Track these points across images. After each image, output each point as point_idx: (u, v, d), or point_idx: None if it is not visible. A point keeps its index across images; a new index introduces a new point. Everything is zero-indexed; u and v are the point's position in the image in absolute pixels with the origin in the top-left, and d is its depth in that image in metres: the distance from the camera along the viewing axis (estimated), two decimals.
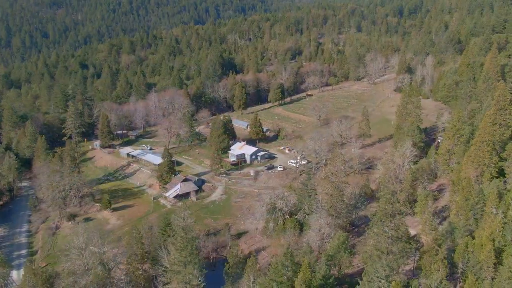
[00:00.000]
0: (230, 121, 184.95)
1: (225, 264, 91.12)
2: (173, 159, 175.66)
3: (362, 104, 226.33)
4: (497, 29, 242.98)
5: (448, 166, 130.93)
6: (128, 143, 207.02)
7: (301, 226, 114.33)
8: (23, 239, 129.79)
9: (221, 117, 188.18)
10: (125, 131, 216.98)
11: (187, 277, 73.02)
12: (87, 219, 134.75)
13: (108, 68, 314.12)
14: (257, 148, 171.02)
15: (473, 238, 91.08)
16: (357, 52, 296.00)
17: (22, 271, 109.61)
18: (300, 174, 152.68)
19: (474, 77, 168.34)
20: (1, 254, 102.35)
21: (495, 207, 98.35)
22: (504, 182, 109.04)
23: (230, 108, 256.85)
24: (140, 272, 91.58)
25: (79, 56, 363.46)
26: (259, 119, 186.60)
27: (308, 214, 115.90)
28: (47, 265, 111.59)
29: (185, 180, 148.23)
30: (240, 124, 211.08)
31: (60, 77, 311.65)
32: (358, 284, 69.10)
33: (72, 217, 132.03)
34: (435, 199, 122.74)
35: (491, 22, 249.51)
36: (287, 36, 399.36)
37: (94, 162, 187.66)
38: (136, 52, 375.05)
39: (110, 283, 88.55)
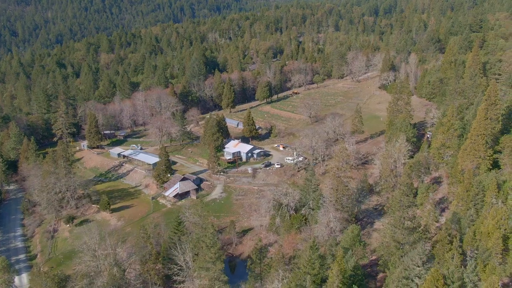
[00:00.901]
0: (224, 119, 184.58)
1: (248, 259, 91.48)
2: (168, 159, 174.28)
3: (349, 101, 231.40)
4: (474, 28, 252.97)
5: (442, 159, 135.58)
6: (117, 143, 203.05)
7: (306, 222, 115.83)
8: (19, 244, 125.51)
9: (214, 115, 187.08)
10: (112, 131, 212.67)
11: (216, 274, 72.89)
12: (86, 221, 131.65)
13: (88, 67, 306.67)
14: (252, 146, 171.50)
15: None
16: (340, 51, 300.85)
17: (24, 276, 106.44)
18: (298, 171, 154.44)
19: (462, 75, 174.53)
20: (5, 260, 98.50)
21: (494, 197, 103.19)
22: (500, 173, 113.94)
23: (216, 106, 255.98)
24: (155, 272, 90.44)
25: (55, 55, 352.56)
26: (252, 117, 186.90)
27: (313, 209, 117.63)
28: (50, 268, 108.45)
29: (184, 179, 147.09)
30: (230, 122, 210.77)
31: (37, 76, 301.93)
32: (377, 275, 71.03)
33: (70, 219, 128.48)
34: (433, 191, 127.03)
35: (468, 22, 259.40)
36: (268, 35, 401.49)
37: (83, 163, 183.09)
38: (115, 50, 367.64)
39: (126, 284, 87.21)
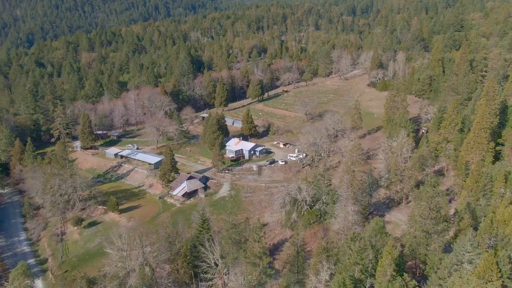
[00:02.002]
0: (223, 118, 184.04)
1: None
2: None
3: (341, 98, 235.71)
4: (455, 27, 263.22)
5: (444, 153, 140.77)
6: (111, 143, 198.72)
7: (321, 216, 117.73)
8: (25, 248, 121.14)
9: (213, 114, 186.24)
10: (105, 132, 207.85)
11: (263, 268, 73.25)
12: (94, 223, 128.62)
13: (70, 67, 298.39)
14: (255, 144, 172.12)
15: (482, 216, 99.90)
16: (325, 50, 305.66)
17: (39, 282, 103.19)
18: (303, 167, 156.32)
19: (456, 72, 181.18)
20: (24, 264, 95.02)
21: (503, 187, 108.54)
22: (504, 165, 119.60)
23: (207, 105, 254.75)
24: (184, 271, 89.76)
25: (33, 54, 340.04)
26: (251, 115, 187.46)
27: (327, 204, 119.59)
28: (65, 272, 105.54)
29: (190, 177, 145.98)
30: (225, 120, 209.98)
31: (15, 76, 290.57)
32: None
33: (79, 221, 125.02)
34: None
35: (450, 21, 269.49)
36: (250, 34, 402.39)
37: (78, 165, 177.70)
38: (95, 49, 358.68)
39: (157, 284, 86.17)
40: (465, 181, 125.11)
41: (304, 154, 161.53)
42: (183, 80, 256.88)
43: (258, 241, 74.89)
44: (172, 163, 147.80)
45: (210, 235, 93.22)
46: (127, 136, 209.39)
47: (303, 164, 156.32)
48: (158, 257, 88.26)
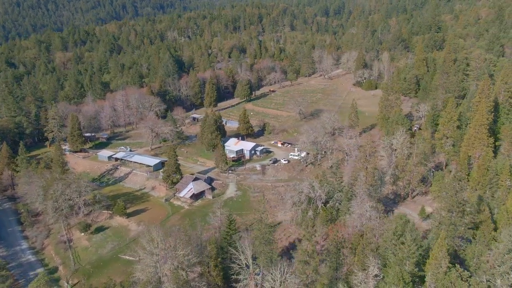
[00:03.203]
0: (220, 117, 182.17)
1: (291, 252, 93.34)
2: (165, 160, 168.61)
3: (329, 98, 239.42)
4: (433, 28, 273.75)
5: (443, 148, 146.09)
6: (100, 146, 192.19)
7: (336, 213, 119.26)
8: (30, 257, 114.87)
9: (211, 114, 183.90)
10: (93, 134, 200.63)
11: (314, 267, 73.09)
12: (101, 228, 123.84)
13: (45, 67, 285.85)
14: (255, 144, 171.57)
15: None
16: (307, 50, 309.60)
17: None
18: (306, 166, 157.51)
19: (447, 71, 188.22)
20: (45, 275, 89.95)
21: (509, 180, 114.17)
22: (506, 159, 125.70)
23: (193, 105, 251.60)
24: (217, 273, 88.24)
25: (2, 53, 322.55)
26: (247, 115, 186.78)
27: (340, 202, 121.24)
28: (79, 282, 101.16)
29: (196, 179, 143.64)
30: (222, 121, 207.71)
31: None
32: None
33: (86, 227, 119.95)
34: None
35: (428, 23, 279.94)
36: (228, 34, 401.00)
37: (70, 168, 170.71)
38: (69, 49, 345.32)
39: (190, 287, 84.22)
40: (468, 175, 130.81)
41: (305, 152, 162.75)
42: (168, 81, 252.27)
43: (309, 240, 74.85)
44: (176, 165, 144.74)
45: (240, 236, 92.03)
46: (117, 138, 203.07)
47: (306, 163, 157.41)
48: (190, 260, 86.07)
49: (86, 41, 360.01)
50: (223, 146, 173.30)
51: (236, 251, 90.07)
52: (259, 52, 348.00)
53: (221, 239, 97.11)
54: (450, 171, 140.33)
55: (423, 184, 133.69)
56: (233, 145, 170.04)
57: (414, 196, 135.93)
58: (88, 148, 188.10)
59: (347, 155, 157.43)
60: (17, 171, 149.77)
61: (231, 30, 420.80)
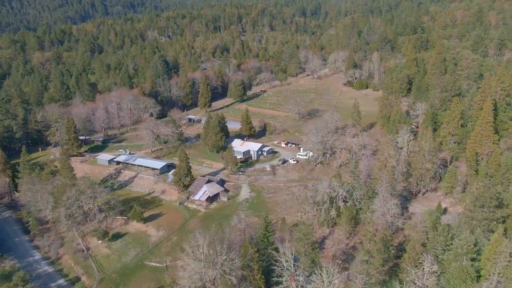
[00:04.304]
0: (223, 118, 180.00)
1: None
2: (170, 162, 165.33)
3: (323, 98, 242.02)
4: (418, 30, 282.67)
5: (447, 146, 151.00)
6: (97, 149, 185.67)
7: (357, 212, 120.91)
8: (48, 268, 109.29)
9: (214, 115, 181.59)
10: (87, 137, 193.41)
11: (379, 265, 73.49)
12: (118, 235, 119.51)
13: (23, 68, 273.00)
14: (262, 144, 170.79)
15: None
16: (293, 50, 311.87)
17: None
18: (315, 165, 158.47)
19: (445, 71, 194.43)
20: (83, 286, 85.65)
21: None
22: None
23: (185, 106, 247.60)
24: (260, 276, 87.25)
25: None
26: (250, 116, 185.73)
27: (360, 200, 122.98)
28: None
29: (209, 181, 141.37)
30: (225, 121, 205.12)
31: None
32: None
33: (105, 234, 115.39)
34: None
35: (412, 24, 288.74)
36: (210, 34, 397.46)
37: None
38: (45, 49, 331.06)
39: None
40: (475, 171, 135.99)
41: (312, 152, 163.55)
42: (158, 81, 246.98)
43: (370, 239, 75.27)
44: (188, 168, 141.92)
45: (285, 238, 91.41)
46: (112, 140, 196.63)
47: (315, 162, 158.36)
48: (234, 264, 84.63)
49: (63, 40, 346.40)
50: (231, 147, 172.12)
51: (277, 252, 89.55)
52: (243, 52, 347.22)
53: (255, 242, 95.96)
54: (456, 167, 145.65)
55: (434, 180, 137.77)
56: (239, 146, 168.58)
57: (425, 193, 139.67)
58: (84, 152, 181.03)
59: (354, 154, 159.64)
60: (18, 178, 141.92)
61: (211, 30, 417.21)
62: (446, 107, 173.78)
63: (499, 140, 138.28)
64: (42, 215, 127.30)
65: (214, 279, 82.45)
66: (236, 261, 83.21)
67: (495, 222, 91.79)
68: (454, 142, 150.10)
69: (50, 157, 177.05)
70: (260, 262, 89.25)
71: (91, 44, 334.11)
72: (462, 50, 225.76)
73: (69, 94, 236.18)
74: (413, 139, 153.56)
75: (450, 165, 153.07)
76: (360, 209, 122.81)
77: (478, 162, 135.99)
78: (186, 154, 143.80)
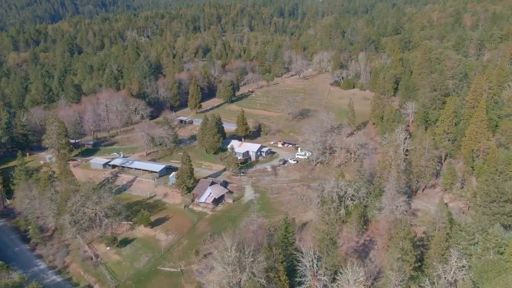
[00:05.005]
0: (220, 119, 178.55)
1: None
2: (168, 165, 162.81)
3: (312, 98, 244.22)
4: (398, 30, 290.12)
5: (442, 143, 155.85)
6: (88, 153, 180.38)
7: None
8: (56, 278, 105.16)
9: (210, 116, 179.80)
10: (77, 140, 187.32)
11: (412, 262, 74.85)
12: (126, 241, 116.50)
13: (0, 69, 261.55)
14: (260, 145, 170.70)
15: None
16: (277, 50, 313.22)
17: None
18: (315, 165, 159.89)
19: (430, 71, 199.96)
20: None
21: None
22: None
23: (172, 108, 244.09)
24: (285, 277, 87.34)
25: None
26: (245, 117, 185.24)
27: (365, 199, 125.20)
28: None
29: (213, 183, 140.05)
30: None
31: None
32: None
33: (114, 240, 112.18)
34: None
35: (393, 25, 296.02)
36: (191, 34, 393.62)
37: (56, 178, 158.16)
38: (20, 49, 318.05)
39: None
40: (472, 168, 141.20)
41: (310, 152, 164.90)
42: (145, 82, 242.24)
43: (405, 237, 76.59)
44: (191, 170, 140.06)
45: (302, 238, 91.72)
46: (103, 143, 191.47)
47: (314, 162, 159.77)
48: (261, 266, 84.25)
49: (39, 40, 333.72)
50: (225, 149, 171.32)
51: (300, 253, 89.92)
52: (226, 53, 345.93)
53: (275, 242, 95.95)
54: (451, 164, 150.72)
55: (433, 177, 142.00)
56: (237, 147, 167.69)
57: (424, 189, 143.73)
58: (75, 156, 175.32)
59: (352, 153, 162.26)
60: (13, 184, 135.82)
61: (191, 30, 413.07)
62: (436, 106, 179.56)
63: (492, 137, 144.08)
64: (41, 223, 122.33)
65: (241, 281, 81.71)
66: (264, 263, 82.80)
67: (505, 216, 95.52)
68: (449, 140, 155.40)
69: (40, 162, 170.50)
70: (284, 263, 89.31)
71: (69, 44, 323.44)
72: (445, 51, 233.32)
73: (52, 96, 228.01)
74: (409, 137, 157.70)
75: (444, 162, 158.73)
76: (366, 207, 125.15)
77: (474, 159, 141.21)
78: (189, 156, 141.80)
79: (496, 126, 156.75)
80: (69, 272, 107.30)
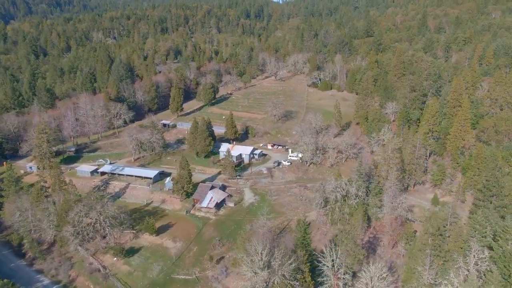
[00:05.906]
0: (210, 123, 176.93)
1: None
2: (161, 170, 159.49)
3: (293, 99, 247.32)
4: (369, 32, 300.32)
5: (427, 141, 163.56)
6: (70, 160, 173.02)
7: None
8: None
9: (199, 119, 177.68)
10: (58, 147, 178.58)
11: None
12: (133, 250, 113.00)
13: None
14: (253, 147, 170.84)
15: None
16: (250, 52, 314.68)
17: None
18: (309, 165, 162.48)
19: (412, 72, 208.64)
20: None
21: (507, 166, 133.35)
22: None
23: (151, 111, 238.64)
24: (310, 279, 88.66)
25: None
26: (234, 120, 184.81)
27: (365, 197, 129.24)
28: None
29: (212, 187, 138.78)
30: (186, 126, 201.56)
31: None
32: None
33: (121, 251, 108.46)
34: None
35: (364, 27, 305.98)
36: (160, 36, 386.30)
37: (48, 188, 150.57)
38: None
39: None
40: (457, 164, 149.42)
41: (302, 153, 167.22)
42: (122, 86, 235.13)
43: (435, 234, 79.84)
44: (190, 175, 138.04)
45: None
46: (85, 150, 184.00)
47: (308, 163, 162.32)
48: (290, 268, 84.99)
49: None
50: (216, 152, 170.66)
51: (321, 253, 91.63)
52: (197, 55, 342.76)
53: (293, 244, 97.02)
54: (436, 161, 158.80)
55: (424, 174, 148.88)
56: (231, 150, 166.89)
57: (414, 185, 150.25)
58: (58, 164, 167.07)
59: (343, 154, 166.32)
60: (2, 196, 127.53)
61: (159, 31, 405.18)
62: (416, 106, 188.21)
63: (476, 135, 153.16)
64: (36, 236, 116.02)
65: (268, 285, 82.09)
66: (293, 265, 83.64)
67: (505, 209, 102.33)
68: (433, 138, 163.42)
69: (20, 171, 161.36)
70: (308, 264, 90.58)
71: (32, 46, 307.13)
72: (416, 53, 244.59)
73: (22, 101, 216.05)
74: (395, 136, 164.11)
75: (429, 159, 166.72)
76: (367, 205, 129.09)
77: (459, 156, 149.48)
78: (187, 161, 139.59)
79: (474, 124, 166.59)
80: (76, 286, 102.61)
